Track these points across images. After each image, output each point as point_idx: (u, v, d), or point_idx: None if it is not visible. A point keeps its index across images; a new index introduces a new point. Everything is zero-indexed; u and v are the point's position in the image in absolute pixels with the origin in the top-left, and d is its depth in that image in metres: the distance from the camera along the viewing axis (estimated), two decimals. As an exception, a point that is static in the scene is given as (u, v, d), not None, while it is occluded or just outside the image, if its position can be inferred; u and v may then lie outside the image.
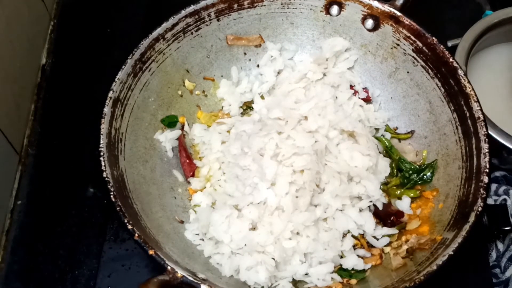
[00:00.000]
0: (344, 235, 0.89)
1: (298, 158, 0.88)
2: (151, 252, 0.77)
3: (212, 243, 0.88)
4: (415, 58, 0.97)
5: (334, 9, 1.00)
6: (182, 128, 1.00)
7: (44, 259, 0.96)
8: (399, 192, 0.94)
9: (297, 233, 0.85)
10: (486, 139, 0.85)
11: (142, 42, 0.93)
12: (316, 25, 1.03)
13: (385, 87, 1.02)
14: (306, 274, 0.85)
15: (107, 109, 0.88)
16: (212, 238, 0.87)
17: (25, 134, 1.07)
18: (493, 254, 0.97)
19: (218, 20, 1.00)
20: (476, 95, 0.89)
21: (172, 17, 0.96)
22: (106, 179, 0.82)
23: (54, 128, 1.09)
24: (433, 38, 0.93)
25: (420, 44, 0.95)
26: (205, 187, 0.96)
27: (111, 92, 0.89)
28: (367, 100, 1.02)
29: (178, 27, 0.97)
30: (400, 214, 0.89)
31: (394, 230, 0.89)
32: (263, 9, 1.01)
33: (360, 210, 0.89)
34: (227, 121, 1.00)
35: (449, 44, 1.11)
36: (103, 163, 0.83)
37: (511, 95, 1.10)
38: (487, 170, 0.83)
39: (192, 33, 0.99)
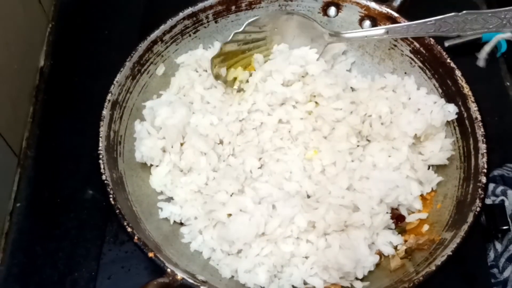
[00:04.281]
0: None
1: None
2: (150, 254, 0.77)
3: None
4: (412, 59, 0.97)
5: (332, 10, 1.01)
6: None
7: (43, 261, 0.96)
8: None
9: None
10: (484, 140, 0.86)
11: (140, 45, 0.93)
12: (314, 26, 1.03)
13: (383, 88, 1.02)
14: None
15: (105, 112, 0.88)
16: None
17: (23, 137, 1.07)
18: (491, 255, 0.97)
19: (216, 22, 1.00)
20: (473, 95, 0.89)
21: (170, 19, 0.96)
22: (105, 182, 0.82)
23: (53, 130, 1.09)
24: (430, 39, 0.93)
25: (417, 45, 0.95)
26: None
27: (109, 94, 0.89)
28: (365, 101, 1.02)
29: (176, 29, 0.97)
30: (401, 218, 0.90)
31: (401, 239, 0.89)
32: (260, 10, 1.01)
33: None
34: None
35: (446, 44, 1.11)
36: (102, 166, 0.83)
37: None
38: (485, 171, 0.84)
39: (190, 35, 0.99)
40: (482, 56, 1.05)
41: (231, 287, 0.84)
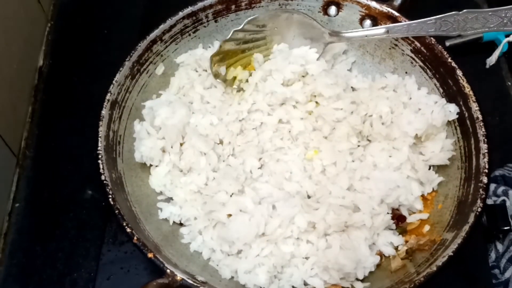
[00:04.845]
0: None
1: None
2: (150, 255, 0.77)
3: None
4: (413, 59, 0.97)
5: (332, 9, 1.00)
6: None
7: (42, 262, 0.96)
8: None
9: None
10: (485, 139, 0.86)
11: (139, 44, 0.93)
12: (314, 26, 1.03)
13: (383, 88, 1.02)
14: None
15: (105, 112, 0.88)
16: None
17: (22, 136, 1.07)
18: (492, 255, 0.97)
19: (215, 21, 1.00)
20: (474, 95, 0.89)
21: (169, 19, 0.96)
22: (105, 182, 0.82)
23: (52, 130, 1.08)
24: (431, 38, 0.93)
25: (418, 44, 0.95)
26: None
27: (108, 94, 0.89)
28: (366, 100, 1.02)
29: (175, 28, 0.97)
30: (402, 218, 0.89)
31: (402, 239, 0.89)
32: (260, 10, 1.00)
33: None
34: None
35: (447, 44, 1.11)
36: (101, 166, 0.83)
37: None
38: (486, 171, 0.83)
39: (189, 35, 0.99)
40: (493, 59, 1.05)
41: (231, 288, 0.84)
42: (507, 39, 1.11)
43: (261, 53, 0.98)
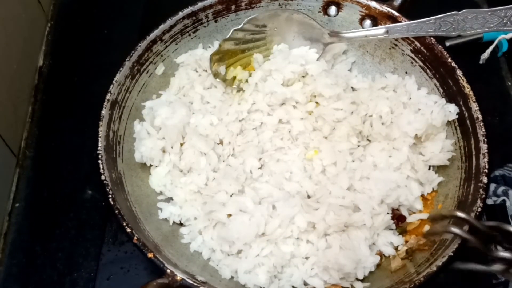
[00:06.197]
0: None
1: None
2: (150, 255, 0.77)
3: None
4: (413, 59, 0.97)
5: (332, 9, 1.00)
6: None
7: (42, 261, 0.96)
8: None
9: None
10: (485, 139, 0.85)
11: (139, 44, 0.93)
12: (314, 26, 1.03)
13: (383, 88, 1.02)
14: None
15: (105, 112, 0.88)
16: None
17: (22, 136, 1.07)
18: (493, 255, 0.97)
19: (215, 21, 1.00)
20: (474, 95, 0.89)
21: (169, 19, 0.96)
22: (105, 182, 0.82)
23: (52, 130, 1.08)
24: (431, 38, 0.93)
25: (418, 45, 0.95)
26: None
27: (108, 94, 0.89)
28: (366, 100, 1.02)
29: (175, 28, 0.97)
30: (402, 218, 0.89)
31: (402, 239, 0.89)
32: (260, 10, 1.00)
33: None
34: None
35: (447, 44, 1.11)
36: (101, 166, 0.83)
37: None
38: (486, 171, 0.83)
39: (189, 35, 0.99)
40: (485, 55, 1.05)
41: (231, 288, 0.84)
42: (502, 36, 1.10)
43: (261, 53, 0.98)
